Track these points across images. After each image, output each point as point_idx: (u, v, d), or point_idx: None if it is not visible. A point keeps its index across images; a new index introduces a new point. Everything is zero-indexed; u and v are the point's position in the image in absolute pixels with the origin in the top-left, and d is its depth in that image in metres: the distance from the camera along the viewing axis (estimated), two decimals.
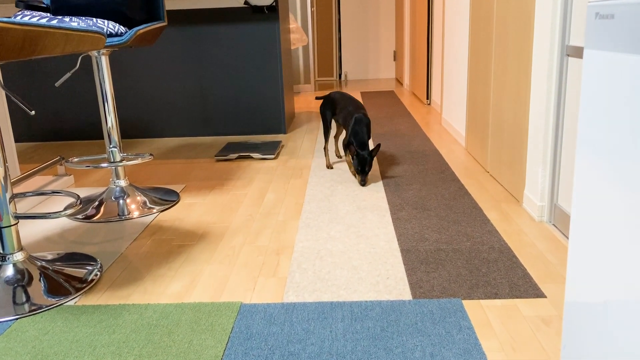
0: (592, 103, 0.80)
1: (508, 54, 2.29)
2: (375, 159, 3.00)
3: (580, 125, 0.85)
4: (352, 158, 2.51)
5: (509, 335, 1.29)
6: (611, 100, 0.74)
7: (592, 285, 0.86)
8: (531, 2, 1.99)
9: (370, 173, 2.70)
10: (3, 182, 1.55)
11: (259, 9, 3.55)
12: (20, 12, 1.93)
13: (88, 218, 2.20)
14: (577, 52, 1.75)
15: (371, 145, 3.23)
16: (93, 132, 3.85)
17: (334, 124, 3.82)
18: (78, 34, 1.50)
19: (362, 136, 2.53)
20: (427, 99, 4.90)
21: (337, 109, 2.78)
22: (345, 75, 7.66)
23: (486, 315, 1.38)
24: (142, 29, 2.10)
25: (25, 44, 1.32)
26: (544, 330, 1.30)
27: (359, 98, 5.62)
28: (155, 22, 2.23)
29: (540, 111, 1.96)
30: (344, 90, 6.42)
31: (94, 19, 1.94)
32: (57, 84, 2.15)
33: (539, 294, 1.47)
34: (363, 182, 2.50)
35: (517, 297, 1.46)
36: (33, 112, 1.59)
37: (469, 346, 1.24)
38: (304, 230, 1.99)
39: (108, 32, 1.98)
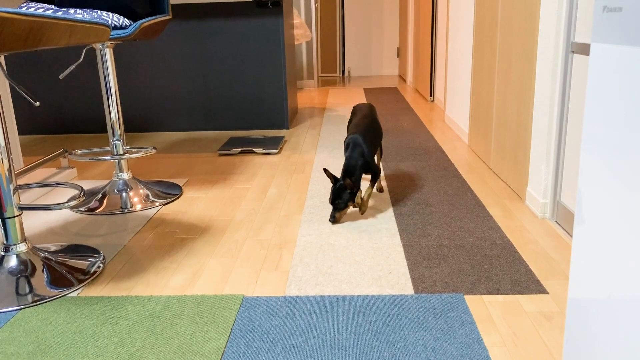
0: (598, 97, 0.80)
1: (512, 51, 2.28)
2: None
3: (585, 120, 0.85)
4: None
5: (510, 330, 1.29)
6: (618, 95, 0.74)
7: (595, 282, 0.86)
8: None
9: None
10: (7, 174, 1.55)
11: (263, 4, 3.55)
12: (25, 4, 1.93)
13: (91, 210, 2.20)
14: (582, 49, 1.74)
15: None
16: (96, 125, 3.85)
17: None
18: (83, 25, 1.50)
19: (349, 161, 2.00)
20: (431, 95, 4.89)
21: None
22: (349, 72, 7.65)
23: (488, 311, 1.38)
24: (146, 22, 2.10)
25: (30, 35, 1.32)
26: (545, 326, 1.31)
27: (361, 95, 5.62)
28: (159, 16, 2.23)
29: (544, 108, 1.95)
30: (347, 86, 6.41)
31: (99, 11, 1.94)
32: (61, 76, 2.16)
33: (541, 290, 1.47)
34: (332, 218, 1.96)
35: (519, 293, 1.46)
36: (37, 103, 1.59)
37: (470, 341, 1.24)
38: (307, 224, 1.99)
39: (112, 25, 1.97)
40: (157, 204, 2.27)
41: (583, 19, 1.76)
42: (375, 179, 2.11)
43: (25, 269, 1.58)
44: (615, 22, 0.70)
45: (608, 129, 0.78)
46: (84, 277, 1.61)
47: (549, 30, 1.90)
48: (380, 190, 2.35)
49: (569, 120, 1.87)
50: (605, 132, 0.79)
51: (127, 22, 2.04)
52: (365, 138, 2.04)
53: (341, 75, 7.54)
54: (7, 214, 1.57)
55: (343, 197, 1.94)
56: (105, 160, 2.28)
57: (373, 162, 2.08)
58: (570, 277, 0.95)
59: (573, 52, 1.81)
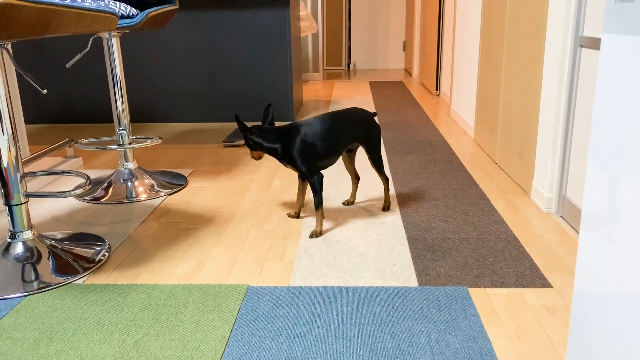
0: (608, 89, 0.79)
1: (520, 45, 2.27)
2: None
3: (594, 113, 0.84)
4: None
5: (514, 323, 1.29)
6: (629, 86, 0.74)
7: (601, 276, 0.86)
8: None
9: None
10: (14, 162, 1.56)
11: None
12: None
13: (96, 199, 2.21)
14: (591, 43, 1.73)
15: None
16: (102, 114, 3.86)
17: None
18: (91, 13, 1.50)
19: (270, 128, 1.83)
20: (436, 89, 4.87)
21: None
22: (354, 65, 7.63)
23: (492, 304, 1.38)
24: (153, 11, 2.09)
25: (39, 22, 1.32)
26: (549, 320, 1.31)
27: (367, 88, 5.61)
28: (166, 5, 2.22)
29: (551, 102, 1.95)
30: (352, 79, 6.40)
31: (106, 0, 1.94)
32: (67, 65, 2.16)
33: (545, 284, 1.47)
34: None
35: (523, 287, 1.46)
36: (45, 91, 1.59)
37: (474, 333, 1.25)
38: (311, 216, 2.00)
39: (120, 14, 1.97)
40: (162, 193, 2.27)
41: (592, 12, 1.74)
42: (312, 190, 1.82)
43: (31, 256, 1.59)
44: (628, 13, 0.69)
45: (618, 122, 0.77)
46: (90, 265, 1.62)
47: (557, 24, 1.89)
48: (385, 207, 2.04)
49: (575, 115, 1.86)
50: (614, 126, 0.78)
51: (134, 11, 2.04)
52: (301, 134, 1.77)
53: (347, 68, 7.52)
54: (14, 201, 1.58)
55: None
56: (110, 149, 2.29)
57: (304, 164, 1.79)
58: (576, 271, 0.95)
59: (581, 46, 1.80)
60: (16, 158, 1.56)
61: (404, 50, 7.53)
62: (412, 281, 1.50)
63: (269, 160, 2.79)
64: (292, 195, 2.24)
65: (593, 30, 1.74)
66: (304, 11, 4.83)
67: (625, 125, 0.75)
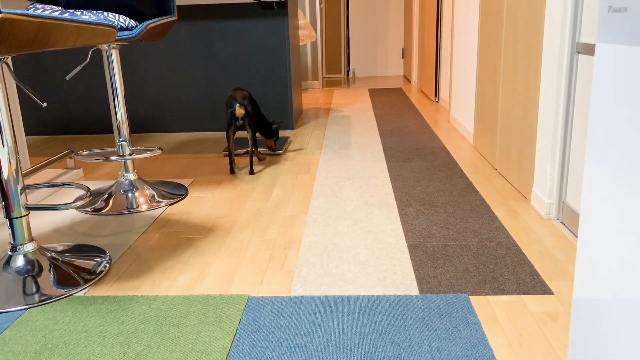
0: (603, 98, 0.80)
1: (518, 51, 2.28)
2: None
3: (591, 121, 0.85)
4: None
5: (515, 330, 1.29)
6: (623, 94, 0.74)
7: (600, 282, 0.86)
8: None
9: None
10: (15, 174, 1.57)
11: (268, 5, 3.56)
12: (32, 5, 1.95)
13: (97, 211, 2.22)
14: (588, 50, 1.74)
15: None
16: (103, 126, 3.87)
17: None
18: (90, 26, 1.51)
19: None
20: (436, 96, 4.89)
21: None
22: (353, 72, 7.66)
23: (493, 311, 1.38)
24: (152, 23, 2.11)
25: (38, 36, 1.33)
26: (551, 326, 1.31)
27: (366, 95, 5.62)
28: (165, 17, 2.24)
29: (550, 108, 1.95)
30: (352, 87, 6.41)
31: (105, 13, 1.95)
32: (67, 78, 2.17)
33: (546, 291, 1.47)
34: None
35: (524, 294, 1.46)
36: (45, 104, 1.60)
37: (475, 341, 1.24)
38: (312, 225, 2.00)
39: (119, 26, 1.99)
40: (162, 204, 2.28)
41: (588, 19, 1.75)
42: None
43: (32, 269, 1.59)
44: (620, 23, 0.70)
45: (613, 130, 0.78)
46: (90, 276, 1.62)
47: (554, 31, 1.90)
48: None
49: (574, 121, 1.86)
50: (610, 133, 0.79)
51: (133, 23, 2.05)
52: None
53: (346, 76, 7.54)
54: (15, 214, 1.58)
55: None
56: (111, 160, 2.29)
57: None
58: (575, 277, 0.95)
59: (578, 52, 1.81)
60: (17, 170, 1.57)
61: (402, 57, 7.56)
62: (413, 289, 1.50)
63: (269, 169, 2.80)
64: (293, 203, 2.25)
65: (590, 36, 1.75)
66: (303, 20, 4.86)
67: (622, 132, 0.75)
